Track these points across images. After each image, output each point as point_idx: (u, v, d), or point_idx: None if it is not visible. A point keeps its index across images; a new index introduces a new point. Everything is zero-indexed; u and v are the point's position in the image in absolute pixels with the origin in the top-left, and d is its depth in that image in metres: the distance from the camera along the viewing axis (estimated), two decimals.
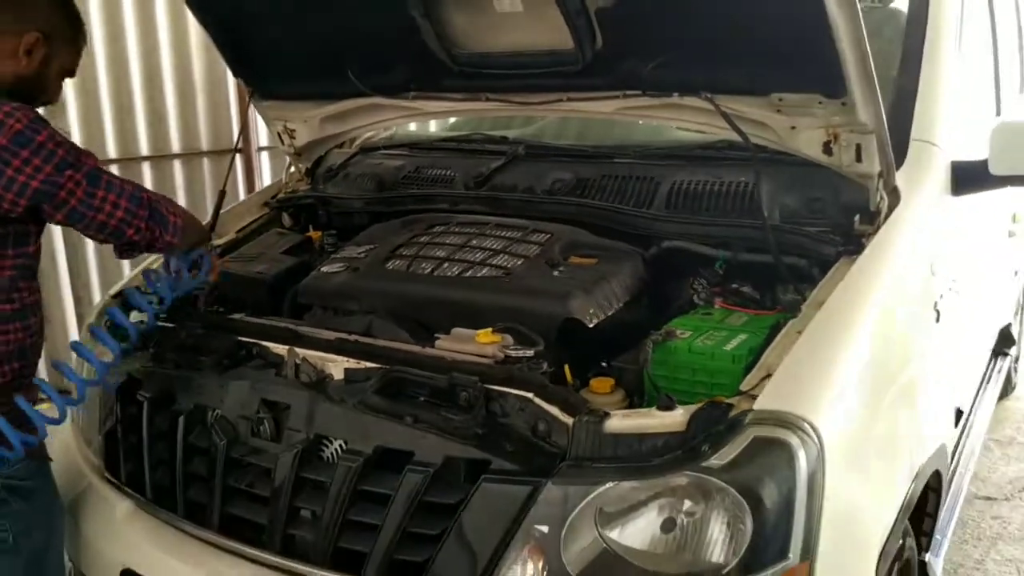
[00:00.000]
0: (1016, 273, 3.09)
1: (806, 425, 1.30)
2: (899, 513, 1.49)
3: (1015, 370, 4.15)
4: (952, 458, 2.54)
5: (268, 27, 2.10)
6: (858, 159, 1.68)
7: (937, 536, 2.31)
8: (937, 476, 1.83)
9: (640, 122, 2.00)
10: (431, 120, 2.52)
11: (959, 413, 2.02)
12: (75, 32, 1.71)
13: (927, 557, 2.02)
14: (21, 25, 1.60)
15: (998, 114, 2.74)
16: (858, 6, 1.45)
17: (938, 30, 2.02)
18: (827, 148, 1.70)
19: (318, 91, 2.26)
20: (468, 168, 2.21)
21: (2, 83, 1.59)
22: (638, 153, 2.04)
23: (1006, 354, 3.55)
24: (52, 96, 1.72)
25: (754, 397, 1.33)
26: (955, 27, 2.05)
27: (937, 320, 1.74)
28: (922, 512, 1.93)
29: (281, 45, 2.14)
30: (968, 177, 1.97)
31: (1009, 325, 3.59)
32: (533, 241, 1.86)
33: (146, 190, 1.65)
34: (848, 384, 1.42)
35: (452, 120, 2.76)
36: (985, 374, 3.23)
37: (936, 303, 1.73)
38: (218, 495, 1.57)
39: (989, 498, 3.19)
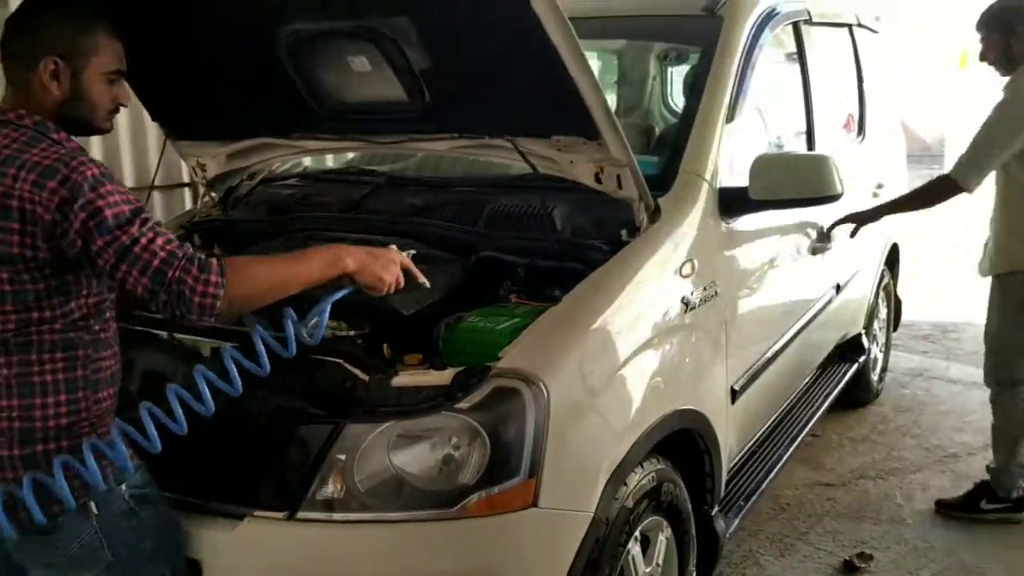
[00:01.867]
0: (838, 287, 3.55)
1: (536, 378, 1.77)
2: (628, 451, 1.95)
3: (881, 379, 4.64)
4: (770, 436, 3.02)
5: (178, 80, 2.58)
6: (620, 186, 2.17)
7: (741, 502, 2.78)
8: (702, 437, 2.30)
9: (471, 158, 2.48)
10: (311, 156, 2.98)
11: (733, 391, 2.48)
12: (95, 36, 1.65)
13: (714, 512, 2.49)
14: (34, 55, 1.60)
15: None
16: (596, 77, 1.95)
17: (713, 88, 2.52)
18: (597, 178, 2.19)
19: (221, 132, 2.73)
20: (343, 195, 2.68)
21: (49, 115, 1.62)
22: (471, 182, 2.53)
23: (855, 361, 4.04)
24: (121, 99, 1.72)
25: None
26: (731, 86, 2.54)
27: (686, 311, 2.21)
28: (701, 472, 2.40)
29: (189, 95, 2.61)
30: (733, 201, 2.44)
31: (859, 336, 4.08)
32: None
33: (188, 262, 1.56)
34: (577, 351, 1.90)
35: (350, 156, 3.24)
36: (820, 376, 3.72)
37: (684, 297, 2.21)
38: None
39: (829, 484, 3.65)
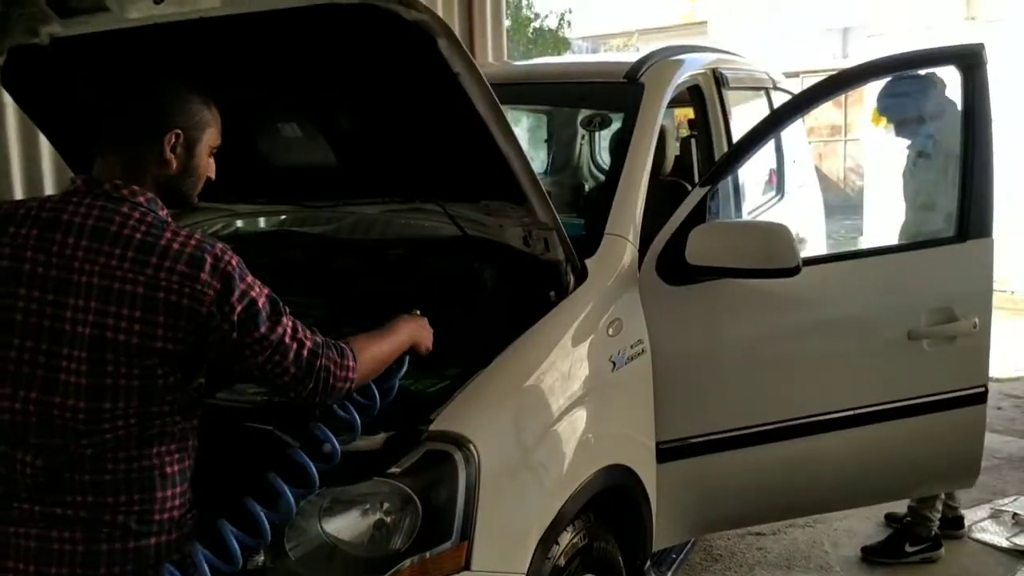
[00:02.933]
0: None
1: (467, 440, 1.80)
2: (560, 510, 1.97)
3: None
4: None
5: None
6: (547, 249, 2.22)
7: (673, 555, 2.82)
8: (632, 492, 2.33)
9: (402, 221, 2.52)
10: (243, 219, 2.99)
11: (663, 450, 2.49)
12: (210, 110, 1.68)
13: (646, 567, 2.52)
14: (157, 127, 1.59)
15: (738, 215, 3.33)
16: (521, 144, 2.02)
17: (635, 152, 2.60)
18: (526, 241, 2.25)
19: None
20: (275, 257, 2.68)
21: (158, 187, 1.60)
22: (402, 244, 2.56)
23: None
24: (211, 173, 1.73)
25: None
26: (649, 154, 2.63)
27: (613, 369, 2.27)
28: (632, 527, 2.43)
29: None
30: (673, 265, 2.43)
31: None
32: (311, 315, 2.33)
33: (329, 351, 1.61)
34: (507, 412, 1.93)
35: (282, 217, 3.24)
36: None
37: (611, 356, 2.26)
38: None
39: (759, 534, 3.72)
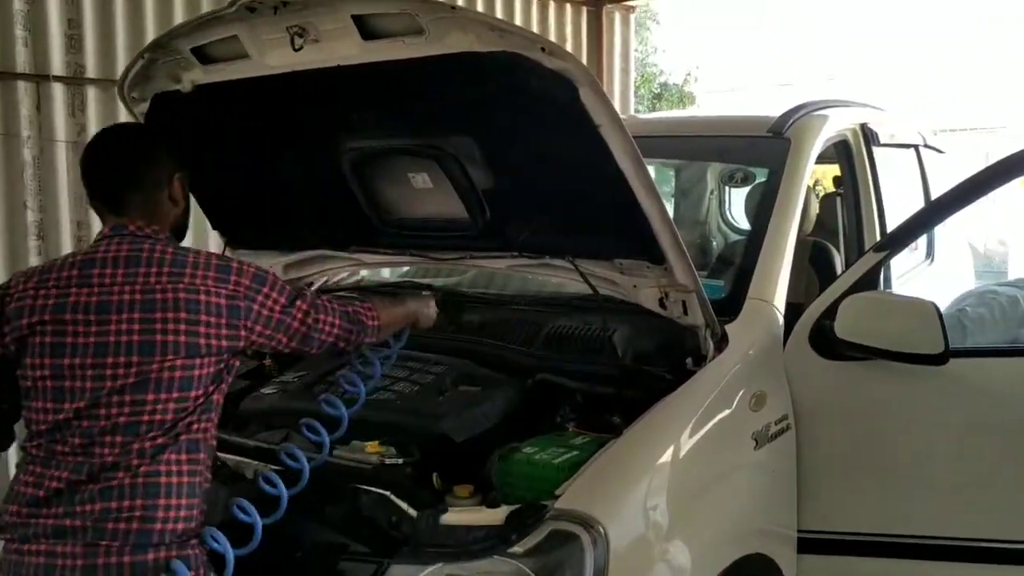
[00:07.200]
0: None
1: (595, 521, 1.64)
2: None
3: None
4: None
5: (239, 192, 2.59)
6: (684, 312, 2.07)
7: None
8: None
9: (529, 276, 2.41)
10: (369, 269, 2.95)
11: (804, 541, 2.23)
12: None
13: None
14: (165, 174, 1.79)
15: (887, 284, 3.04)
16: (664, 201, 1.89)
17: (783, 211, 2.43)
18: (662, 303, 2.10)
19: (281, 243, 2.72)
20: None
21: (171, 227, 1.80)
22: (529, 301, 2.46)
23: None
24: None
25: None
26: (796, 213, 2.45)
27: (756, 447, 2.07)
28: None
29: (249, 206, 2.62)
30: (823, 335, 2.20)
31: None
32: (431, 371, 2.25)
33: (351, 304, 1.93)
34: (639, 491, 1.77)
35: (404, 268, 3.21)
36: None
37: (754, 432, 2.07)
38: None
39: None
